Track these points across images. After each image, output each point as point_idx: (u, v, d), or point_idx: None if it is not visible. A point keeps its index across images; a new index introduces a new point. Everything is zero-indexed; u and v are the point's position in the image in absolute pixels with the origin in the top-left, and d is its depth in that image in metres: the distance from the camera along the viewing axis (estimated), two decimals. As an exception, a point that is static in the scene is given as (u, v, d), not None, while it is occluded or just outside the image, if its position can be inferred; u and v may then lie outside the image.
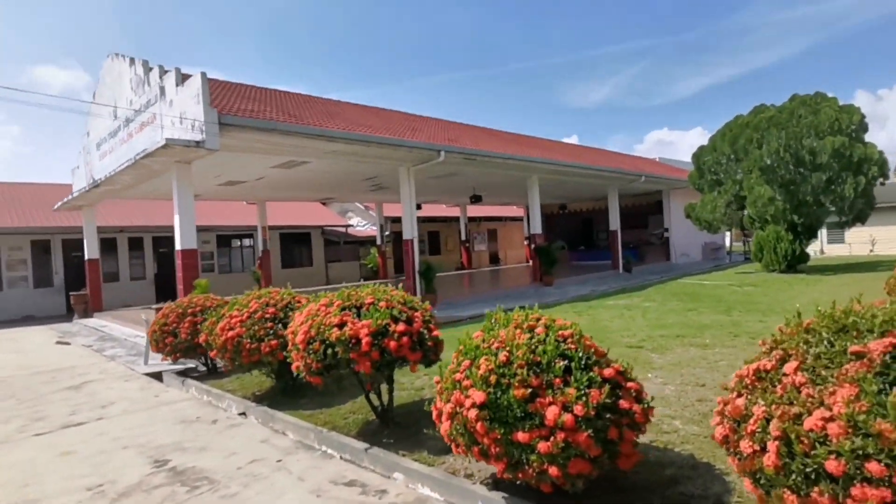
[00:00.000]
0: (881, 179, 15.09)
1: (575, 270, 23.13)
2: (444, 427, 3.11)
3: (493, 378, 2.79)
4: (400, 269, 29.06)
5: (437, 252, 30.72)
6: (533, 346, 2.87)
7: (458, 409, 2.94)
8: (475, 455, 2.99)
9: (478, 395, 2.78)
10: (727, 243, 27.72)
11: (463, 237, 28.59)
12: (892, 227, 25.18)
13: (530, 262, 31.84)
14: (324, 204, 30.20)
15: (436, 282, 13.73)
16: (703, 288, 13.44)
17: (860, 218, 15.94)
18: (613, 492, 3.11)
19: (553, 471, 2.63)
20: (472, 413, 2.80)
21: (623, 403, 2.76)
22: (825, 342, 2.05)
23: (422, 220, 29.72)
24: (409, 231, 13.55)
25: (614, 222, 21.57)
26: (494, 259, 34.94)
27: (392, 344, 4.00)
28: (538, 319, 3.16)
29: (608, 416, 2.70)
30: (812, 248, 27.45)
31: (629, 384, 2.95)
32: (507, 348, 2.88)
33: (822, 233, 26.55)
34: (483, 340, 3.09)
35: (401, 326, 4.07)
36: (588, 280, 18.07)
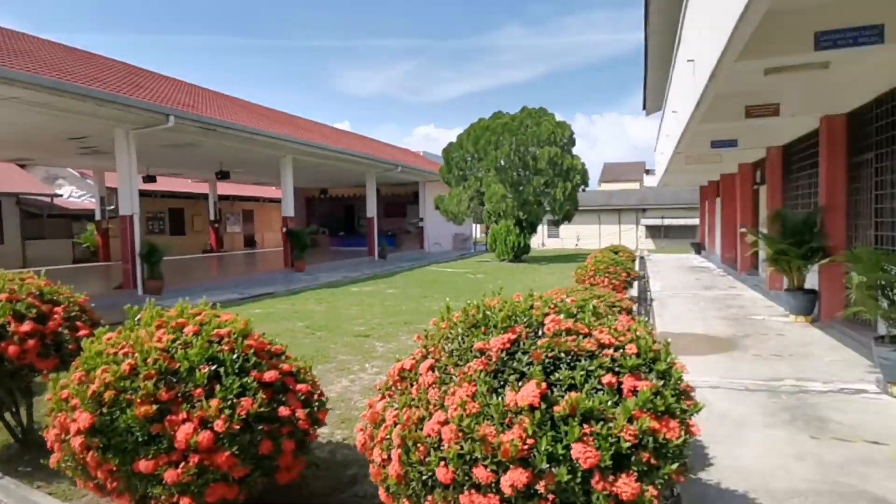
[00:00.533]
0: (583, 187, 18.35)
1: (333, 256, 22.85)
2: (53, 459, 2.35)
3: (108, 394, 2.15)
4: (132, 250, 24.91)
5: (181, 232, 27.15)
6: (172, 351, 2.31)
7: (64, 435, 2.23)
8: (92, 490, 2.32)
9: (84, 419, 2.11)
10: (474, 234, 30.82)
11: (212, 217, 25.80)
12: (592, 227, 31.30)
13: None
14: (22, 167, 23.98)
15: (164, 266, 11.86)
16: (444, 275, 14.42)
17: (568, 217, 19.16)
18: (282, 505, 2.77)
19: (185, 502, 2.13)
20: (78, 441, 2.13)
21: (283, 411, 2.41)
22: (459, 338, 1.97)
23: (162, 195, 25.94)
24: (128, 206, 11.40)
25: (371, 209, 21.90)
26: (250, 242, 32.56)
27: (12, 349, 3.00)
28: (196, 315, 2.61)
29: (262, 427, 2.31)
30: (535, 241, 32.55)
31: (299, 386, 2.62)
32: (136, 355, 2.26)
33: (543, 228, 31.56)
34: (112, 345, 2.41)
35: (26, 326, 3.08)
36: (342, 266, 17.95)
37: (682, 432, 1.66)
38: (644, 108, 14.62)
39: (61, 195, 22.47)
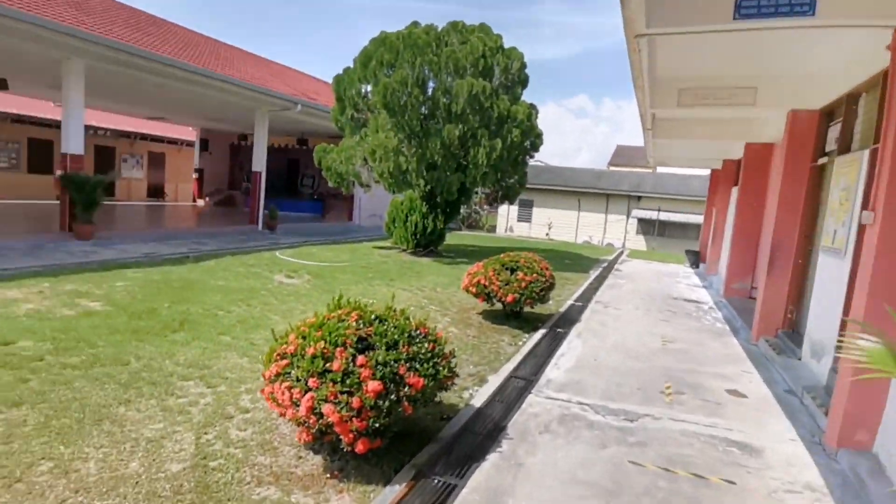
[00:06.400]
0: (530, 150, 12.12)
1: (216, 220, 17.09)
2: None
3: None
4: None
5: (47, 171, 21.11)
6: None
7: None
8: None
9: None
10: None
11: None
12: (569, 213, 24.94)
13: (199, 202, 24.78)
14: None
15: None
16: (250, 279, 8.45)
17: (509, 196, 13.00)
18: None
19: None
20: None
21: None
22: None
23: (14, 121, 19.94)
24: None
25: (258, 161, 15.84)
26: (157, 192, 26.62)
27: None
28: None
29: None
30: (501, 224, 26.39)
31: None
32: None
33: (514, 209, 25.34)
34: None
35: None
36: (174, 237, 11.99)
37: None
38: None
39: None
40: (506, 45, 11.82)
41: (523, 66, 11.80)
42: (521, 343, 5.97)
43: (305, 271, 9.03)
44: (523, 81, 11.93)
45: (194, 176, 24.88)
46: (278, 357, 2.79)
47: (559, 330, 6.68)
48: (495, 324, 6.64)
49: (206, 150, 24.74)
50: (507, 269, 6.61)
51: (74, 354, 4.14)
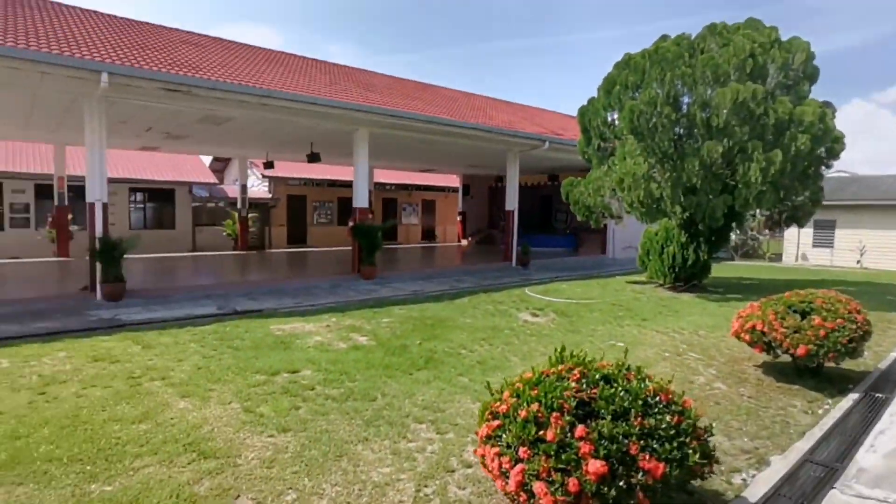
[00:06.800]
0: (825, 158, 9.69)
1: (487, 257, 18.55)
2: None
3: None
4: (295, 239, 24.81)
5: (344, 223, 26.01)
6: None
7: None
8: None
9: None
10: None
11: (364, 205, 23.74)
12: (890, 234, 19.12)
13: (463, 242, 27.14)
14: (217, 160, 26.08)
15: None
16: (498, 319, 8.65)
17: (797, 217, 10.60)
18: None
19: None
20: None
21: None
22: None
23: (330, 184, 25.26)
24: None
25: (511, 200, 16.60)
26: (429, 235, 30.26)
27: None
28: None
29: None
30: (789, 251, 21.75)
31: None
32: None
33: (806, 232, 20.78)
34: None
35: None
36: (435, 276, 13.36)
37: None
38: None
39: (216, 183, 23.30)
40: (783, 38, 9.85)
41: (810, 57, 9.61)
42: (819, 412, 4.52)
43: (552, 309, 8.77)
44: (810, 76, 9.70)
45: (458, 218, 27.45)
46: (490, 416, 2.52)
47: (878, 395, 4.89)
48: (781, 382, 5.23)
49: (467, 195, 27.14)
50: (795, 311, 5.18)
51: (336, 386, 4.65)
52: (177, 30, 12.87)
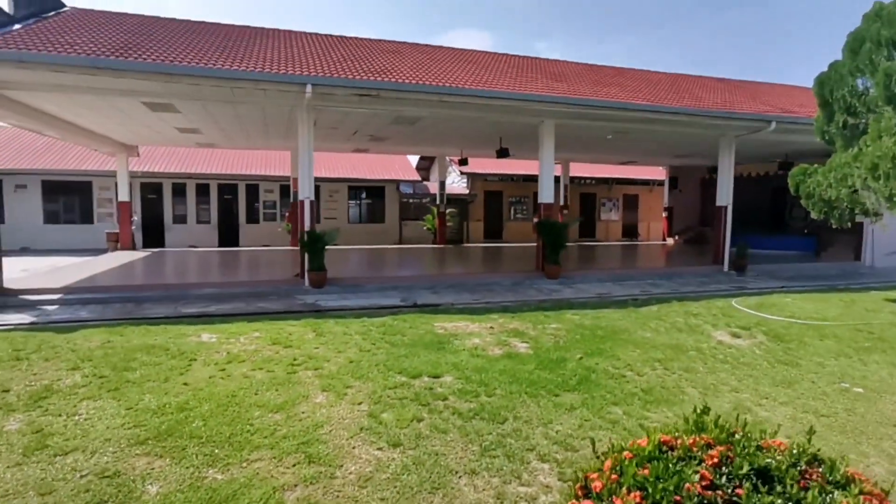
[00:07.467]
0: None
1: (695, 259, 16.69)
2: None
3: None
4: (491, 234, 25.27)
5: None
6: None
7: None
8: None
9: None
10: None
11: (562, 201, 22.96)
12: None
13: (668, 241, 24.42)
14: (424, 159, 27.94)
15: (334, 259, 10.40)
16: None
17: None
18: None
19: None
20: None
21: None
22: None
23: (524, 179, 25.10)
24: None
25: (723, 194, 14.31)
26: (630, 232, 28.09)
27: None
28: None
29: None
30: None
31: None
32: None
33: None
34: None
35: None
36: (625, 278, 12.25)
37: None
38: None
39: (419, 180, 24.74)
40: None
41: None
42: None
43: (762, 329, 7.09)
44: None
45: (664, 214, 24.83)
46: (580, 491, 1.87)
47: None
48: None
49: (674, 188, 24.35)
50: None
51: (469, 399, 4.29)
52: (379, 41, 13.91)
